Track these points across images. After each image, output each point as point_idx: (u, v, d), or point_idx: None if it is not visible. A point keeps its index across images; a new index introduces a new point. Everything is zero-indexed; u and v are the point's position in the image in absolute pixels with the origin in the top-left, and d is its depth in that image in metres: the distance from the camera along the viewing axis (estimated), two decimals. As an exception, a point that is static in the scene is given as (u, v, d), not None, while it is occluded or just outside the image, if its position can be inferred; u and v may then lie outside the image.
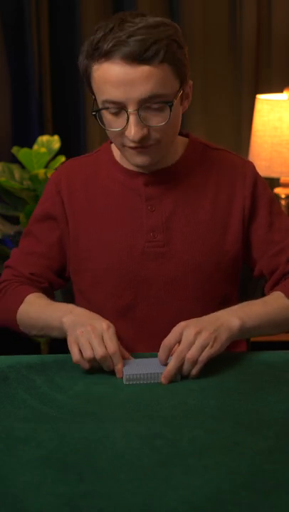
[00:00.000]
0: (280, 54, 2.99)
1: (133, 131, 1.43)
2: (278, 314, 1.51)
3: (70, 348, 1.39)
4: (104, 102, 1.44)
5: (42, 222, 1.64)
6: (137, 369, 1.37)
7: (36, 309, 1.53)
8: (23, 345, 2.22)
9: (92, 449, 1.12)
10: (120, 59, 1.39)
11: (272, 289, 1.62)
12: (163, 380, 1.35)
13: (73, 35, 2.91)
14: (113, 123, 1.46)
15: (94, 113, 1.47)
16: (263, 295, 1.69)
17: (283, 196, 2.77)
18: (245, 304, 1.50)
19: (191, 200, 1.59)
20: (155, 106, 1.43)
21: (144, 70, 1.39)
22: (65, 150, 2.77)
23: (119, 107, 1.43)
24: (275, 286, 1.61)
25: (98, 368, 1.38)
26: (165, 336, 1.55)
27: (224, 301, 1.60)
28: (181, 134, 1.60)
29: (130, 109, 1.42)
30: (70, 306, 1.50)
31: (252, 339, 1.78)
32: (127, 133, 1.44)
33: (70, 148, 2.89)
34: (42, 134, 2.89)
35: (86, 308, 1.57)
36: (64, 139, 2.79)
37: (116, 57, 1.39)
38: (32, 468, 1.07)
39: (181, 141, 1.61)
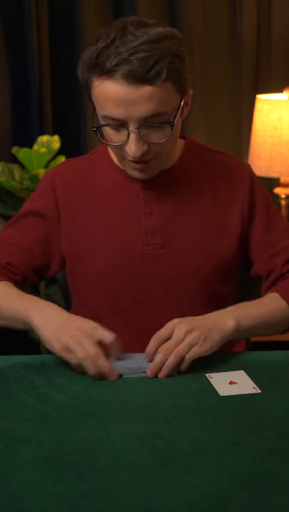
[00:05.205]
0: (280, 54, 2.99)
1: (133, 149, 1.42)
2: (273, 315, 1.52)
3: (62, 355, 1.35)
4: (105, 117, 1.43)
5: (29, 217, 1.63)
6: (123, 364, 1.39)
7: (4, 298, 1.51)
8: (22, 345, 2.21)
9: (92, 449, 1.12)
10: (122, 78, 1.36)
11: (268, 289, 1.62)
12: (148, 373, 1.36)
13: (73, 35, 2.91)
14: (113, 137, 1.45)
15: (94, 129, 1.46)
16: (261, 296, 1.69)
17: (283, 196, 2.77)
18: (240, 305, 1.51)
19: (189, 202, 1.58)
20: (156, 124, 1.41)
21: (146, 90, 1.37)
22: (65, 150, 2.77)
23: (120, 124, 1.42)
24: (272, 287, 1.61)
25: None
26: None
27: (221, 302, 1.60)
28: None
29: (131, 127, 1.40)
30: (37, 299, 1.47)
31: (252, 339, 1.78)
32: (127, 149, 1.43)
33: (70, 148, 2.89)
34: (42, 134, 2.89)
35: (82, 310, 1.56)
36: (64, 139, 2.79)
37: (118, 76, 1.36)
38: (32, 468, 1.07)
39: (178, 144, 1.60)
